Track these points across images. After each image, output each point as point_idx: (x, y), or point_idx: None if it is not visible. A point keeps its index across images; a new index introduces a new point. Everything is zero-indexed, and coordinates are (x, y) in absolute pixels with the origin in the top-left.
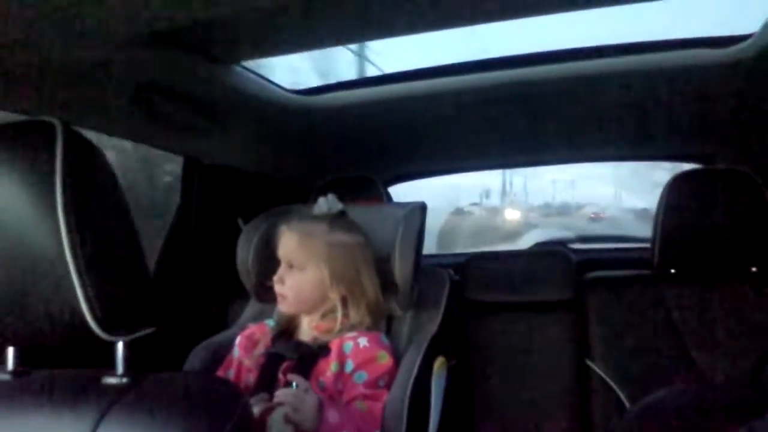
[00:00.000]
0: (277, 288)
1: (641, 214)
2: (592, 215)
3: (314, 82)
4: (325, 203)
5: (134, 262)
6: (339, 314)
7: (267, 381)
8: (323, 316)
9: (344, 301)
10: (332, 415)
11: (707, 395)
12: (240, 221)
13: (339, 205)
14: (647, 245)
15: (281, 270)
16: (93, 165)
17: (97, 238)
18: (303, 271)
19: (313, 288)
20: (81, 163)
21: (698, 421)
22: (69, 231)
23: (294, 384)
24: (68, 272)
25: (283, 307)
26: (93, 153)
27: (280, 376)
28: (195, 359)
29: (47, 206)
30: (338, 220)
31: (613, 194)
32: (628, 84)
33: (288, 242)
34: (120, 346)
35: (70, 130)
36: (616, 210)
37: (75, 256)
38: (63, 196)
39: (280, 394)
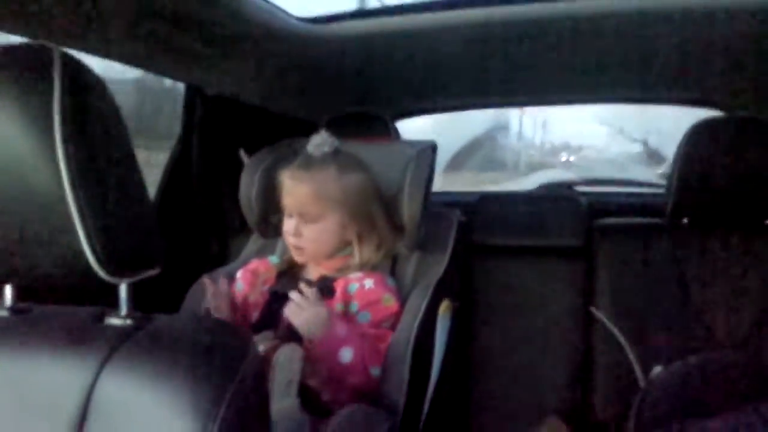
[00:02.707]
0: (293, 241)
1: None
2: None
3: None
4: (320, 140)
5: (138, 200)
6: (356, 252)
7: (270, 319)
8: (333, 254)
9: (359, 239)
10: (340, 327)
11: (718, 371)
12: (242, 154)
13: (334, 142)
14: (654, 190)
15: (293, 223)
16: (93, 95)
17: (98, 174)
18: (320, 221)
19: (332, 235)
20: (80, 92)
21: (722, 394)
22: (68, 165)
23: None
24: (68, 211)
25: (302, 258)
26: (93, 81)
27: (284, 315)
28: (195, 293)
29: (45, 138)
30: (343, 158)
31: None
32: (641, 24)
33: (298, 194)
34: (124, 286)
35: (68, 56)
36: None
37: (76, 194)
38: (62, 127)
39: (292, 296)
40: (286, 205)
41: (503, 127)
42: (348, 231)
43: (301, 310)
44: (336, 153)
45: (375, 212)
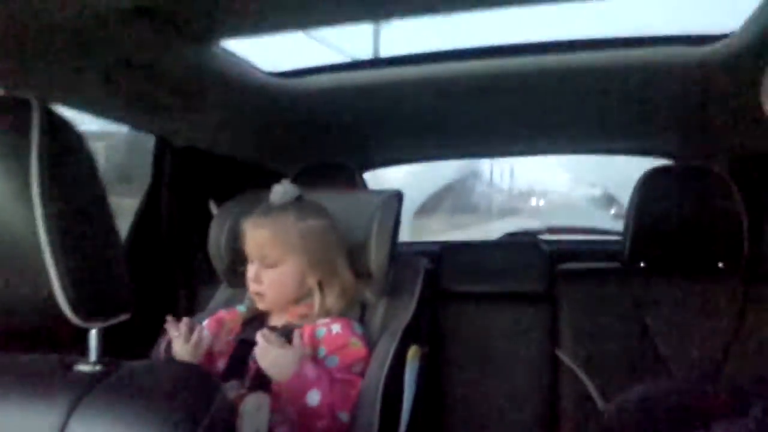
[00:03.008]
0: (254, 288)
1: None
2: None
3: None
4: (282, 189)
5: (111, 248)
6: (317, 299)
7: (237, 368)
8: (297, 301)
9: (320, 286)
10: (309, 370)
11: (673, 395)
12: (212, 204)
13: (296, 191)
14: (615, 237)
15: (254, 269)
16: (70, 146)
17: (73, 223)
18: (279, 266)
19: (292, 281)
20: (58, 143)
21: (666, 422)
22: (44, 215)
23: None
24: (42, 257)
25: (263, 305)
26: (70, 133)
27: (251, 363)
28: (164, 344)
29: (21, 188)
30: (303, 205)
31: (568, 181)
32: (601, 79)
33: (258, 239)
34: (94, 332)
35: (47, 108)
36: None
37: (50, 241)
38: (39, 177)
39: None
40: (248, 251)
41: (474, 173)
42: (308, 278)
43: (267, 351)
44: (298, 200)
45: (336, 259)
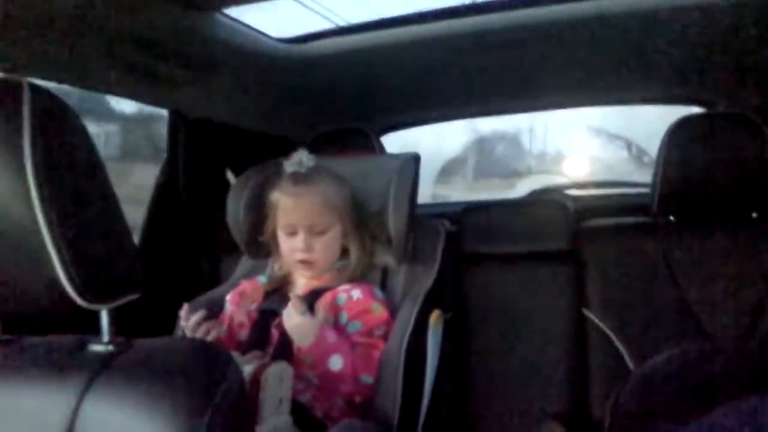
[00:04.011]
0: (303, 256)
1: None
2: None
3: None
4: (299, 158)
5: (113, 226)
6: (354, 259)
7: (260, 338)
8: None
9: (357, 246)
10: (330, 335)
11: (709, 362)
12: (229, 174)
13: (312, 159)
14: (645, 190)
15: (303, 238)
16: (64, 125)
17: (71, 203)
18: (329, 231)
19: (337, 245)
20: (51, 123)
21: (699, 392)
22: (41, 197)
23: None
24: (43, 240)
25: (313, 273)
26: (64, 112)
27: (273, 331)
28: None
29: (16, 171)
30: (329, 171)
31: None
32: (626, 26)
33: (305, 207)
34: (104, 313)
35: (39, 88)
36: None
37: (49, 224)
38: (33, 159)
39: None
40: (290, 222)
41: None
42: (347, 239)
43: (293, 315)
44: (320, 167)
45: (362, 221)
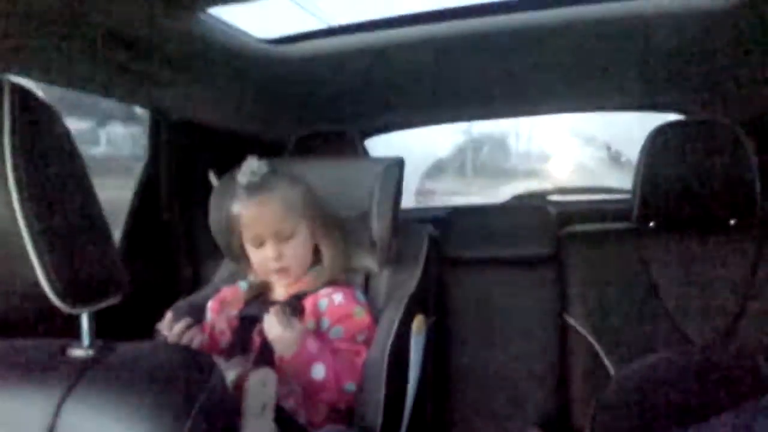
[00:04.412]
0: (275, 265)
1: None
2: None
3: None
4: (250, 167)
5: (95, 228)
6: (326, 261)
7: (241, 344)
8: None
9: (327, 245)
10: (311, 344)
11: (689, 364)
12: (212, 176)
13: (265, 166)
14: (626, 196)
15: (272, 247)
16: (45, 125)
17: (52, 205)
18: (296, 236)
19: (306, 249)
20: (31, 123)
21: (679, 398)
22: (21, 199)
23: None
24: (23, 243)
25: (289, 279)
26: (45, 112)
27: (255, 337)
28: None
29: None
30: (283, 174)
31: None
32: (605, 34)
33: (268, 215)
34: (85, 316)
35: (19, 87)
36: None
37: (29, 225)
38: (12, 160)
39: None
40: (256, 234)
41: (485, 137)
42: (317, 238)
43: (274, 326)
44: (274, 172)
45: (328, 219)
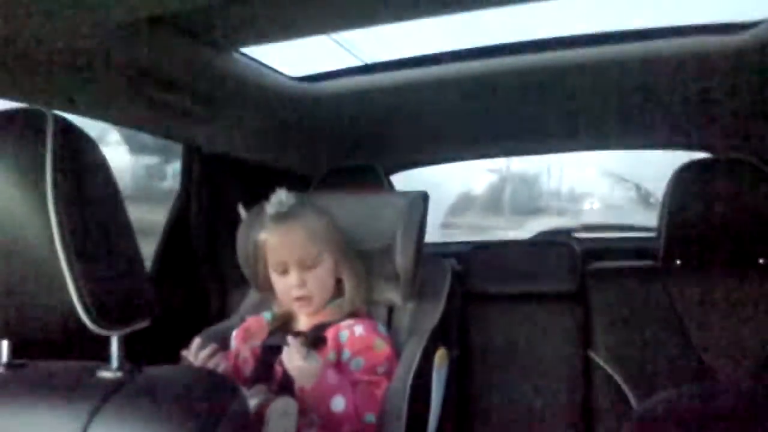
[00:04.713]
0: (298, 293)
1: None
2: None
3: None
4: (278, 199)
5: (128, 255)
6: (348, 292)
7: (264, 373)
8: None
9: (350, 276)
10: (331, 376)
11: (713, 400)
12: (240, 208)
13: (293, 198)
14: (651, 234)
15: (296, 275)
16: (84, 155)
17: (89, 231)
18: (319, 265)
19: (330, 278)
20: (72, 153)
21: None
22: (60, 224)
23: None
24: (59, 266)
25: (310, 309)
26: (85, 143)
27: (277, 367)
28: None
29: (37, 199)
30: (310, 205)
31: None
32: (629, 73)
33: (293, 242)
34: (115, 339)
35: (61, 119)
36: None
37: (66, 250)
38: (53, 188)
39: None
40: (281, 261)
41: (514, 175)
42: (339, 269)
43: (293, 356)
44: (301, 203)
45: (350, 251)
